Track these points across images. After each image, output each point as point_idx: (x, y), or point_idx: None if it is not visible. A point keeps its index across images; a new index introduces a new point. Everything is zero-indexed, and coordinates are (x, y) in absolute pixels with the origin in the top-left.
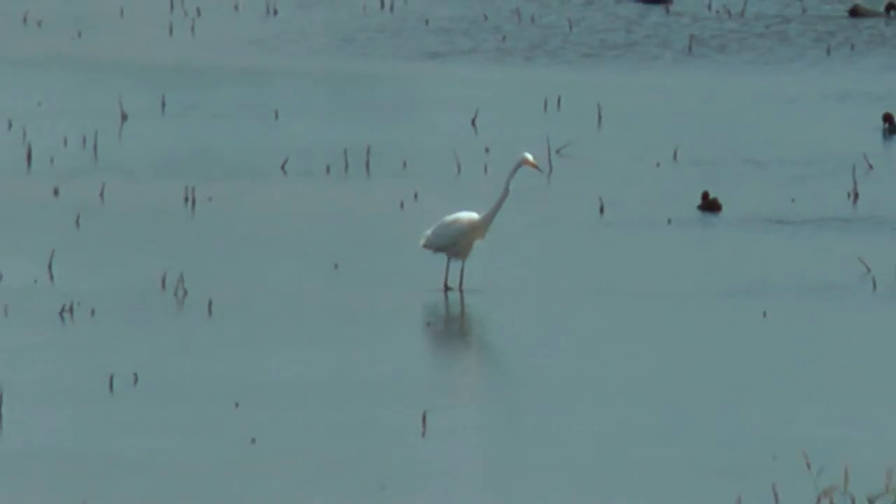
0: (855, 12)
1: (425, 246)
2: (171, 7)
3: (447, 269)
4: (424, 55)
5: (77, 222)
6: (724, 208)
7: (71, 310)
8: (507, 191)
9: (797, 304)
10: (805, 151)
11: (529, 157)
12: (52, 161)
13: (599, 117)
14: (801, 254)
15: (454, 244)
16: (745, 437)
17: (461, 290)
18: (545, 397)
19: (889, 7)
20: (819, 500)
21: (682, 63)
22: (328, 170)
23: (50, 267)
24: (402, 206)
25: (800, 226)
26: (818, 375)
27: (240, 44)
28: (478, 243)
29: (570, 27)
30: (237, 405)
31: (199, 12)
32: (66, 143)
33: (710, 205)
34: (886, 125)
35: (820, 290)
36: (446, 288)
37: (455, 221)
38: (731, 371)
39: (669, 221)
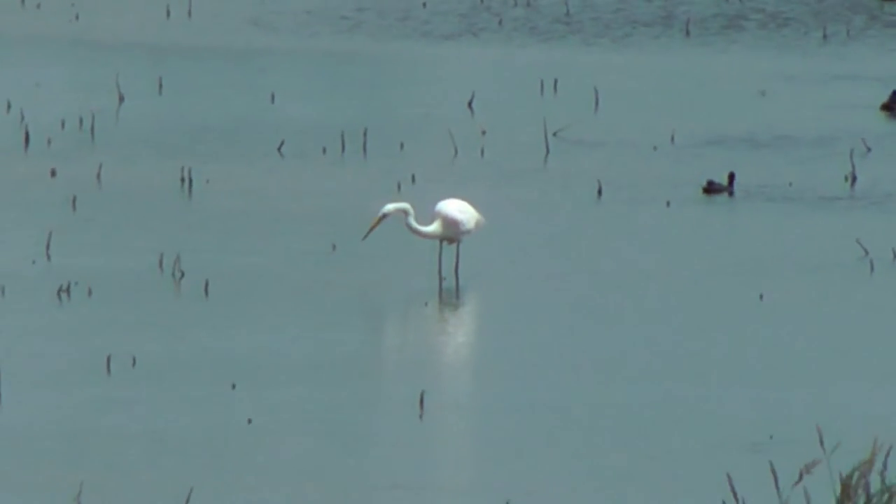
0: None
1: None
2: None
3: (440, 254)
4: (421, 37)
5: (74, 203)
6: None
7: (68, 290)
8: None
9: (794, 285)
10: (803, 133)
11: (391, 208)
12: (49, 142)
13: (596, 100)
14: (798, 235)
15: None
16: (741, 417)
17: (457, 273)
18: (543, 377)
19: None
20: (801, 475)
21: (679, 44)
22: (325, 151)
23: (47, 248)
24: (399, 187)
25: (797, 207)
26: (815, 356)
27: (237, 24)
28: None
29: (567, 9)
30: (234, 386)
31: None
32: (63, 124)
33: (711, 187)
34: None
35: (818, 272)
36: (441, 275)
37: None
38: (727, 351)
39: (668, 203)
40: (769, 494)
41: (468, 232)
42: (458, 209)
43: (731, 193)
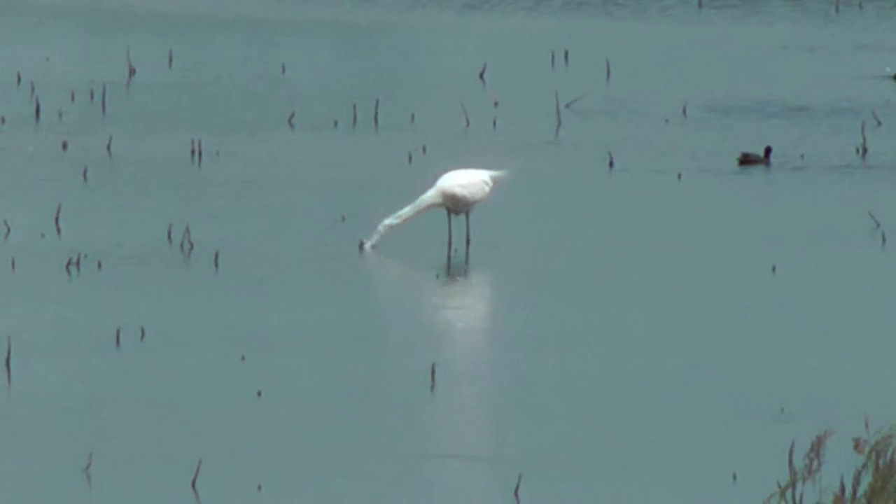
0: None
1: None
2: None
3: (450, 225)
4: (433, 7)
5: (84, 176)
6: (736, 160)
7: (78, 263)
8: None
9: (806, 256)
10: (815, 104)
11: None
12: (59, 115)
13: (608, 71)
14: (809, 207)
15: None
16: (752, 390)
17: (468, 245)
18: (554, 349)
19: None
20: (813, 446)
21: (692, 15)
22: (336, 123)
23: (57, 220)
24: (410, 159)
25: (808, 178)
26: (827, 329)
27: None
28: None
29: None
30: (243, 358)
31: None
32: (73, 97)
33: (747, 159)
34: None
35: (829, 244)
36: (450, 247)
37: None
38: (739, 323)
39: (679, 175)
40: (781, 466)
41: (473, 203)
42: (460, 183)
43: (767, 165)
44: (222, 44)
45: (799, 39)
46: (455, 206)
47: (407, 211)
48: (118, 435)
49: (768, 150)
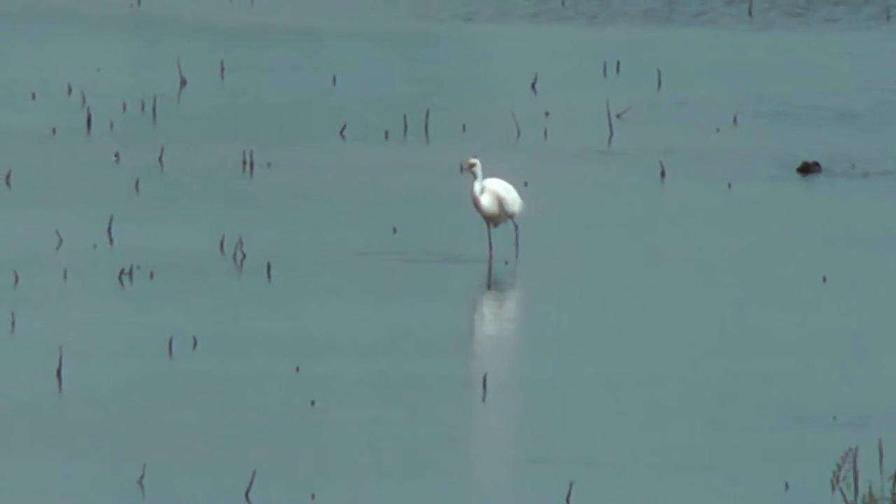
0: None
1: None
2: None
3: (489, 235)
4: (484, 17)
5: (136, 186)
6: (795, 168)
7: (130, 273)
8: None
9: (857, 264)
10: (866, 111)
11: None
12: (111, 126)
13: (659, 80)
14: (860, 214)
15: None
16: (804, 398)
17: (517, 253)
18: (606, 356)
19: None
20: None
21: (742, 24)
22: (387, 134)
23: (109, 231)
24: (461, 169)
25: (859, 185)
26: (880, 336)
27: (298, 6)
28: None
29: None
30: (297, 368)
31: None
32: (125, 107)
33: (806, 168)
34: None
35: (880, 251)
36: (491, 254)
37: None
38: (789, 331)
39: (730, 185)
40: (825, 474)
41: (512, 213)
42: (503, 187)
43: (818, 172)
44: (273, 54)
45: (849, 47)
46: (497, 209)
47: (476, 191)
48: (171, 444)
49: (816, 164)
